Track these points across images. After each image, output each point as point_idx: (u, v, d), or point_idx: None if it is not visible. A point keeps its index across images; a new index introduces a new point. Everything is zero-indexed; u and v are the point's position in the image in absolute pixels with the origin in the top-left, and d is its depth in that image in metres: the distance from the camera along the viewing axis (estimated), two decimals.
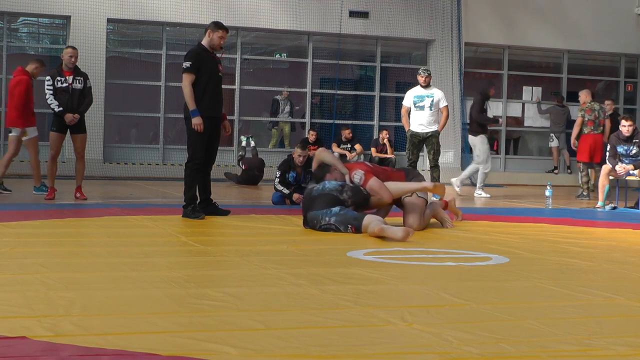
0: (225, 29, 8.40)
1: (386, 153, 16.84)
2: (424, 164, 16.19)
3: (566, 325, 3.58)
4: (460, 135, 17.83)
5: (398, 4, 17.39)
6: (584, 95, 13.30)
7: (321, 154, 7.84)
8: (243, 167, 15.08)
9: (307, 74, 17.49)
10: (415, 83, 12.36)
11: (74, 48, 10.15)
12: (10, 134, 10.82)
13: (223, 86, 8.55)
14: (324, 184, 7.39)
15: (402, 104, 12.36)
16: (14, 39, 17.36)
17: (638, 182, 13.08)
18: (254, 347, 3.06)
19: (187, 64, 8.13)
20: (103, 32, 15.97)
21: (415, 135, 12.07)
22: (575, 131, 13.27)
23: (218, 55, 8.53)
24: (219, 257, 5.53)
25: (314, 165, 7.86)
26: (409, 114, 12.15)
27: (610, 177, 11.38)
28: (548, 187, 11.13)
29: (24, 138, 10.70)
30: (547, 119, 18.61)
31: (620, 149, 11.30)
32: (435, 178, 12.06)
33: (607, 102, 14.84)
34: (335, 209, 7.12)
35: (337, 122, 17.61)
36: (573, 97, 18.67)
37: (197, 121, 8.03)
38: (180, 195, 11.79)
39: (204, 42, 8.35)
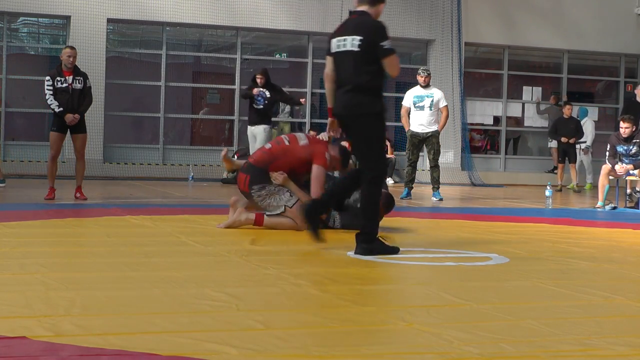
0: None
1: (387, 153, 16.82)
2: (424, 164, 16.18)
3: (566, 325, 3.58)
4: (460, 135, 17.82)
5: (398, 4, 17.37)
6: None
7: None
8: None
9: (307, 74, 17.49)
10: (415, 83, 12.37)
11: (72, 48, 10.11)
12: None
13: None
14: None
15: (401, 104, 12.37)
16: (14, 39, 17.36)
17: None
18: (254, 347, 3.06)
19: None
20: (103, 32, 15.96)
21: (415, 135, 12.07)
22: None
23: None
24: (219, 257, 5.53)
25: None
26: (409, 114, 12.16)
27: (610, 177, 11.38)
28: (548, 187, 11.12)
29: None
30: (546, 119, 18.58)
31: (620, 149, 11.30)
32: (435, 178, 12.08)
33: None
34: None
35: None
36: (572, 97, 18.72)
37: None
38: (180, 195, 11.87)
39: None
